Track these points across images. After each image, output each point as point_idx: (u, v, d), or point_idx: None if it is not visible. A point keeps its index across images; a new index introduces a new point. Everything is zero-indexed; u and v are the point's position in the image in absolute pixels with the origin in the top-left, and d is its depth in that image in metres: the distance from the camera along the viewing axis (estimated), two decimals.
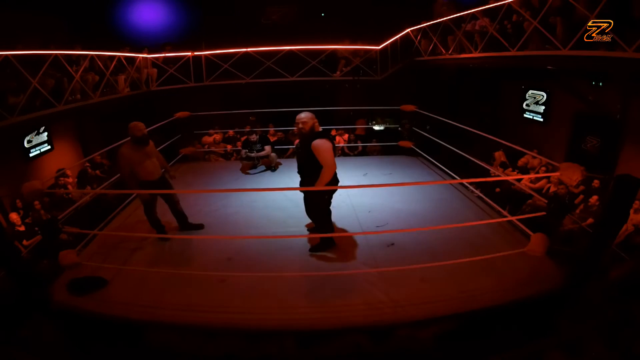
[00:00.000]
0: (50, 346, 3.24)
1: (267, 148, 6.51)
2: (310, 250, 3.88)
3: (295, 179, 4.13)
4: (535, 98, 8.65)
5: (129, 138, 3.96)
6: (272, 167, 6.53)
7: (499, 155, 8.33)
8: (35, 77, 5.87)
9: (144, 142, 3.98)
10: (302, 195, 3.97)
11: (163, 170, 4.30)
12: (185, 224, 4.39)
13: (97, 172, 8.37)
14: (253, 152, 6.42)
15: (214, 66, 9.21)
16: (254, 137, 6.51)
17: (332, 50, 9.44)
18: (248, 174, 6.38)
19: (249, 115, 9.37)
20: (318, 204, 3.81)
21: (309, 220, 4.20)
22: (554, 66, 6.22)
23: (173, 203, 4.30)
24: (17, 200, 6.67)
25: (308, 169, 3.72)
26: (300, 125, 3.71)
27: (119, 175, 5.29)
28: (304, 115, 3.72)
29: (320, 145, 3.57)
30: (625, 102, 6.42)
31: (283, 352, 2.98)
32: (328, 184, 3.61)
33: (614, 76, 6.25)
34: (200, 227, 4.43)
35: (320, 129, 3.76)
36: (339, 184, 3.86)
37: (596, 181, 6.12)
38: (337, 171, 3.79)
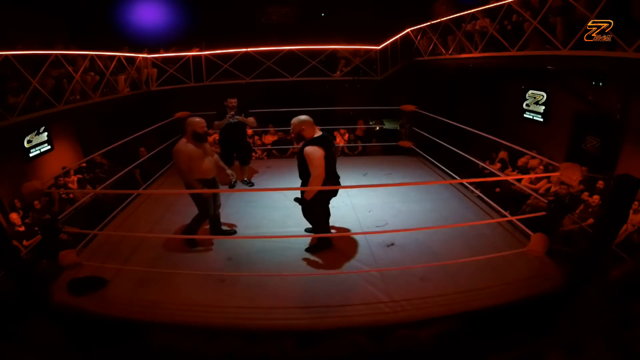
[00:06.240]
0: (50, 346, 3.24)
1: (252, 118, 5.48)
2: (307, 249, 3.89)
3: (295, 179, 4.12)
4: (535, 98, 8.64)
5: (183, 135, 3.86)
6: (245, 180, 5.71)
7: (503, 156, 8.31)
8: (35, 77, 5.87)
9: (204, 139, 3.92)
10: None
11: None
12: (218, 229, 4.24)
13: (98, 172, 8.37)
14: (234, 119, 5.30)
15: (214, 66, 9.21)
16: (234, 102, 5.35)
17: (332, 50, 9.43)
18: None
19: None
20: (311, 208, 3.79)
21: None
22: (554, 66, 6.21)
23: (217, 206, 4.18)
24: (24, 201, 6.65)
25: (302, 174, 3.71)
26: (290, 130, 3.67)
27: (118, 175, 5.31)
28: (292, 121, 3.64)
29: (311, 152, 3.47)
30: (625, 102, 6.42)
31: (282, 352, 2.98)
32: (325, 187, 3.55)
33: (614, 76, 6.25)
34: (232, 232, 4.31)
35: (317, 133, 3.63)
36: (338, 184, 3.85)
37: (600, 182, 6.10)
38: (337, 171, 3.78)
